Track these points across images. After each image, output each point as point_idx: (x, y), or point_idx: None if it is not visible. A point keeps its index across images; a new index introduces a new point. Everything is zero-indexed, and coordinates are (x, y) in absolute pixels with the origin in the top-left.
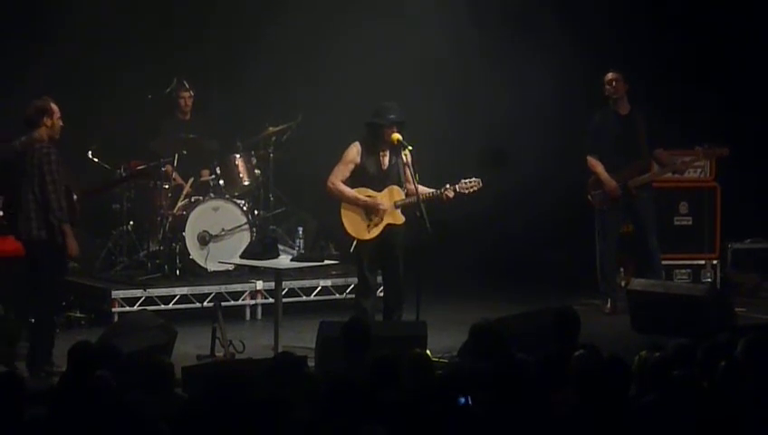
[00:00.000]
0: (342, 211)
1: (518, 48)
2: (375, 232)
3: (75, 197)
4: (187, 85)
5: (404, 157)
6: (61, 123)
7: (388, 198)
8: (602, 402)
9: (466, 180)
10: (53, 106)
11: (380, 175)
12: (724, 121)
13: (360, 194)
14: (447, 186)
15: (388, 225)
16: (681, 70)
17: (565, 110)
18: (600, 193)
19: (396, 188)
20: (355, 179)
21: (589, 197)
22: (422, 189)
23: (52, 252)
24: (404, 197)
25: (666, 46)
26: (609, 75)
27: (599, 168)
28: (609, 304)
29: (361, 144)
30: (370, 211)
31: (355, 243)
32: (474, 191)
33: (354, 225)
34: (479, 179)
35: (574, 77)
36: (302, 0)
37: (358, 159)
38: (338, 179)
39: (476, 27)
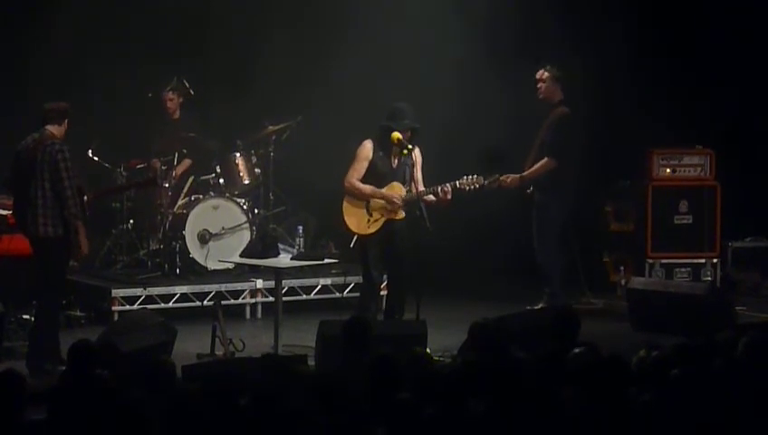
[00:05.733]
0: (344, 206)
1: (520, 52)
2: (375, 227)
3: (86, 198)
4: (178, 86)
5: (414, 157)
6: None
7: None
8: (601, 401)
9: (468, 177)
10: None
11: (389, 173)
12: (724, 119)
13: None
14: (447, 184)
15: (388, 220)
16: (681, 69)
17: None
18: None
19: (397, 184)
20: (363, 176)
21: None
22: (422, 189)
23: (63, 249)
24: (404, 193)
25: (666, 47)
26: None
27: None
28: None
29: (374, 142)
30: (374, 207)
31: (356, 238)
32: (475, 189)
33: (355, 220)
34: (481, 177)
35: (576, 70)
36: (304, 0)
37: (371, 156)
38: (354, 178)
39: (479, 33)
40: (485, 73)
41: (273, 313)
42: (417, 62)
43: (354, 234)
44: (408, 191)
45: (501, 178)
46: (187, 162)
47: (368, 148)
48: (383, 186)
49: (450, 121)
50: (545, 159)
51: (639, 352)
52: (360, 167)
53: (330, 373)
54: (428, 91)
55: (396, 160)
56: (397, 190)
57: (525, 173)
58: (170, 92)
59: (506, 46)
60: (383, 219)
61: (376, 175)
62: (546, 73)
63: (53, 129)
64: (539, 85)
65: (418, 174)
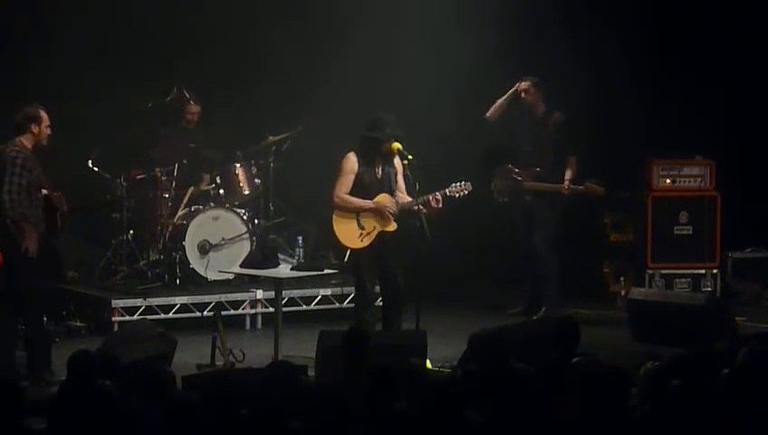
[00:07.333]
0: (334, 221)
1: (521, 51)
2: (367, 241)
3: (59, 212)
4: (192, 97)
5: (396, 165)
6: (48, 131)
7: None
8: (602, 412)
9: (456, 184)
10: (43, 114)
11: (375, 184)
12: (724, 129)
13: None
14: (437, 192)
15: (381, 232)
16: (681, 78)
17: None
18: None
19: (385, 195)
20: (350, 189)
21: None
22: (408, 199)
23: (19, 257)
24: (395, 204)
25: (667, 57)
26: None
27: None
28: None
29: (357, 154)
30: (365, 219)
31: (349, 252)
32: (464, 195)
33: (346, 234)
34: (469, 183)
35: (577, 82)
36: (304, 9)
37: (356, 168)
38: (343, 192)
39: (478, 32)
40: (485, 75)
41: (273, 323)
42: (419, 67)
43: (347, 248)
44: (397, 202)
45: (561, 187)
46: (206, 178)
47: (352, 160)
48: (370, 197)
49: (451, 125)
50: (572, 158)
51: (646, 364)
52: (347, 180)
53: (330, 383)
54: (429, 96)
55: (380, 171)
56: (386, 201)
57: (569, 177)
58: (194, 104)
59: (507, 50)
60: (375, 232)
61: (362, 187)
62: (528, 83)
63: (23, 138)
64: (526, 91)
65: (401, 182)
